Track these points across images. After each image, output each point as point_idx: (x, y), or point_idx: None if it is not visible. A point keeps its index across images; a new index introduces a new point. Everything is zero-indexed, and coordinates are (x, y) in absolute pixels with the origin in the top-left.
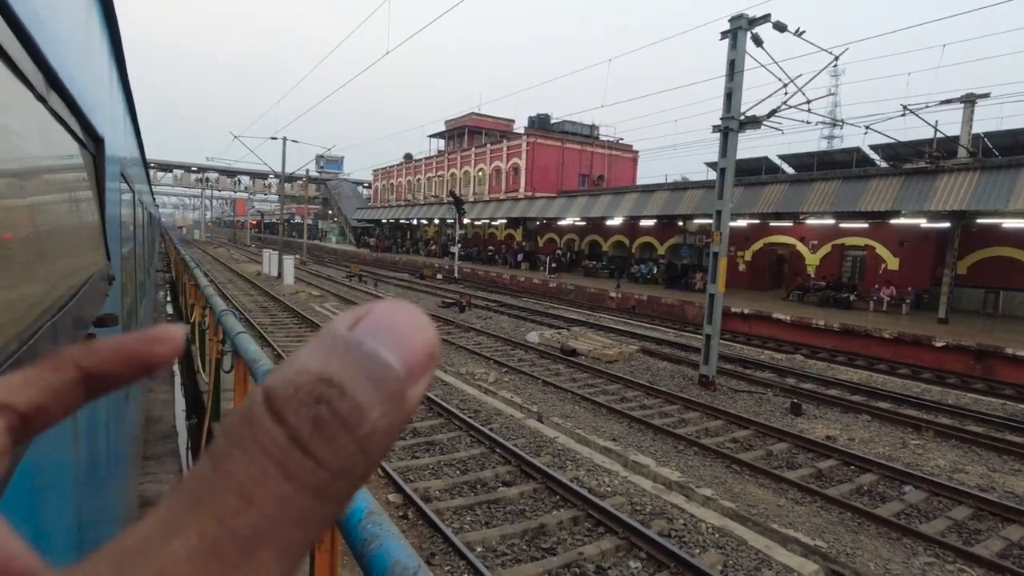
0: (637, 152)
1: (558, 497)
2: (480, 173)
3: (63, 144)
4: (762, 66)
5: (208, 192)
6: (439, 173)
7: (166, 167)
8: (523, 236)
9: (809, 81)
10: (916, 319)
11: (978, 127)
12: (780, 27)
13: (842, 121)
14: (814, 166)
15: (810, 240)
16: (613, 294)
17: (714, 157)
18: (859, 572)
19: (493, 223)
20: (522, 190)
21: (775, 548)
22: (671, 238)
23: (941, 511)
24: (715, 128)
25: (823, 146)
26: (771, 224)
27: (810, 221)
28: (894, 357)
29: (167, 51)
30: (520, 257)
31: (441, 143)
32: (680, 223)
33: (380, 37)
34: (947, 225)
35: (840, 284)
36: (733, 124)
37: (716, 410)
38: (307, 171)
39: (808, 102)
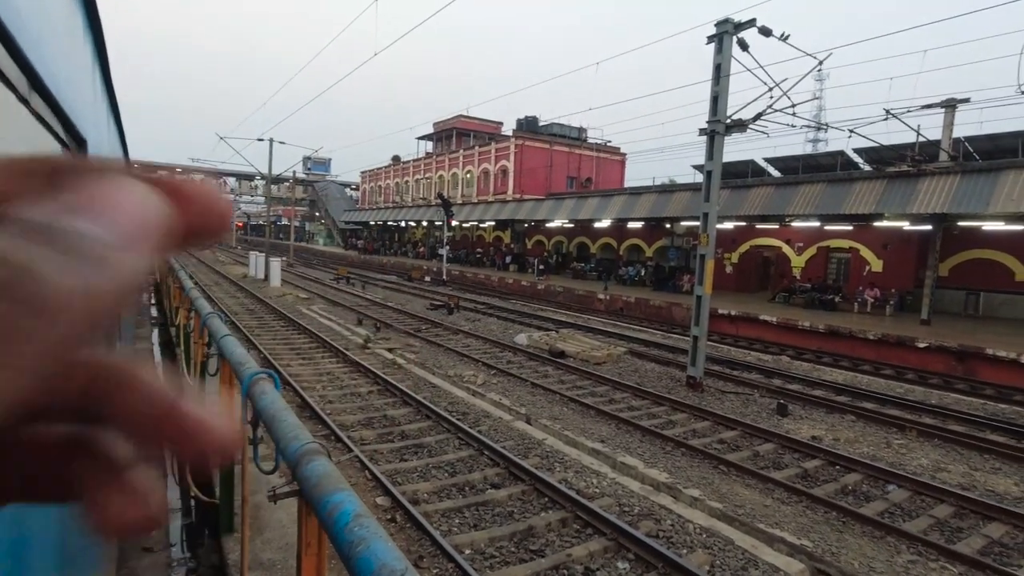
0: (625, 155)
1: (546, 499)
2: (468, 175)
3: (46, 146)
4: (748, 70)
5: None
6: (427, 175)
7: (150, 168)
8: (511, 238)
9: (794, 85)
10: (900, 320)
11: (959, 131)
12: (765, 32)
13: (826, 125)
14: (799, 169)
15: (796, 242)
16: (601, 296)
17: (701, 160)
18: (844, 571)
19: (481, 225)
20: (510, 192)
21: (761, 548)
22: (659, 240)
23: (924, 510)
24: (701, 131)
25: (808, 149)
26: (757, 226)
27: (796, 223)
28: (878, 358)
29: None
30: (508, 259)
31: (429, 145)
32: (667, 225)
33: (368, 38)
34: (929, 228)
35: (825, 286)
36: (719, 127)
37: (703, 411)
38: (294, 173)
39: (793, 106)
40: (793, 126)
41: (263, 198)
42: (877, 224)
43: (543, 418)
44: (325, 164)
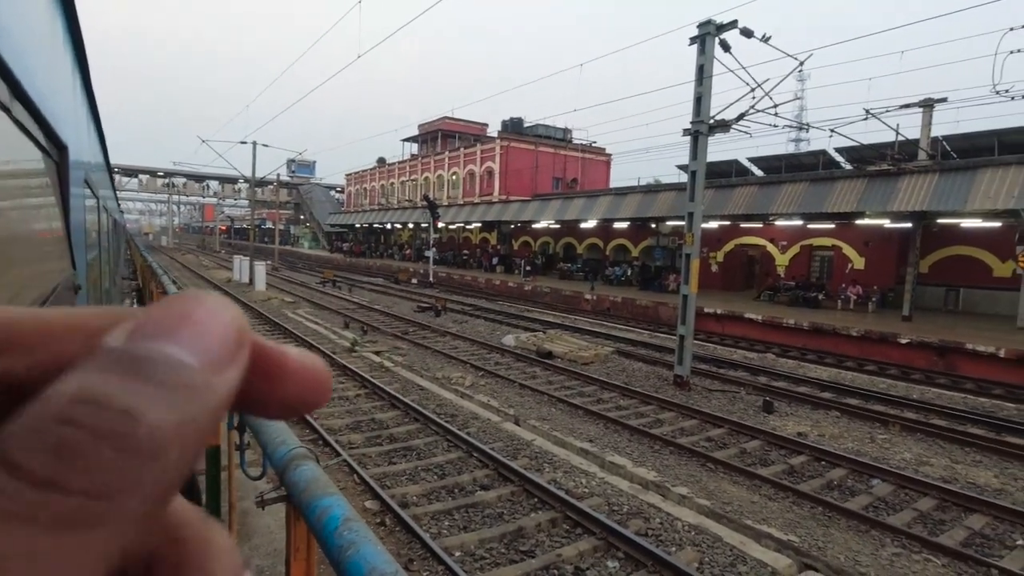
0: (610, 155)
1: (536, 500)
2: (454, 177)
3: (26, 154)
4: (730, 71)
5: (175, 197)
6: (413, 177)
7: (131, 172)
8: (498, 240)
9: (776, 86)
10: (882, 317)
11: (936, 130)
12: (747, 33)
13: (808, 125)
14: (782, 168)
15: (779, 241)
16: (588, 296)
17: (686, 160)
18: (830, 565)
19: (468, 227)
20: (496, 194)
21: (749, 544)
22: (644, 240)
23: (907, 503)
24: (685, 132)
25: (791, 149)
26: (742, 225)
27: (779, 222)
28: (861, 354)
29: (133, 50)
30: (495, 261)
31: (414, 147)
32: (653, 225)
33: (352, 40)
34: (909, 225)
35: (809, 284)
36: (703, 128)
37: (691, 410)
38: (278, 175)
39: (775, 106)
40: (775, 126)
41: (247, 201)
42: (859, 222)
43: (532, 419)
44: (310, 167)
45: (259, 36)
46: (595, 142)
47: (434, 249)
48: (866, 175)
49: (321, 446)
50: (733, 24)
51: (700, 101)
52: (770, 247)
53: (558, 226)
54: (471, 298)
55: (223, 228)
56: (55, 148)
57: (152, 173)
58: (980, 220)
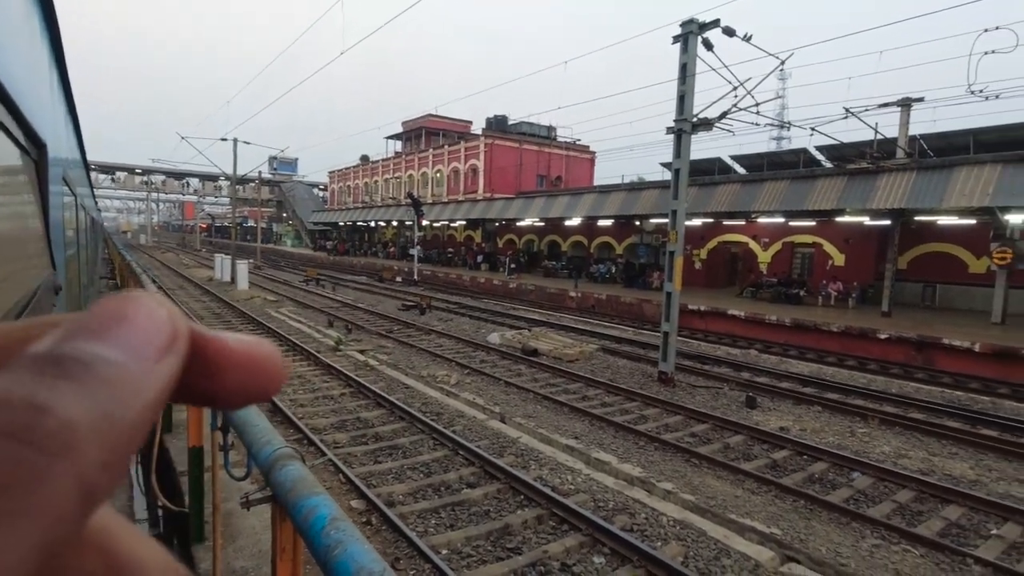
0: (594, 153)
1: (522, 497)
2: (438, 174)
3: (6, 152)
4: (713, 70)
5: (154, 195)
6: (397, 175)
7: (109, 169)
8: (482, 237)
9: (757, 84)
10: (861, 313)
11: (914, 129)
12: (729, 32)
13: (789, 123)
14: (764, 166)
15: (762, 238)
16: (573, 294)
17: (669, 158)
18: (812, 556)
19: (452, 225)
20: (481, 191)
21: (733, 537)
22: (628, 238)
23: (886, 495)
24: (669, 130)
25: (772, 147)
26: (725, 223)
27: (761, 220)
28: (842, 350)
29: (111, 47)
30: (480, 258)
31: (398, 145)
32: (637, 223)
33: (336, 36)
34: (888, 223)
35: (791, 280)
36: (686, 126)
37: (675, 406)
38: (259, 173)
39: (757, 105)
40: (757, 124)
41: (228, 199)
42: (839, 219)
43: (517, 416)
44: (292, 164)
45: (255, 35)
46: (579, 140)
47: (419, 247)
48: (846, 173)
49: (306, 446)
50: (715, 23)
51: (683, 99)
52: (752, 244)
53: (543, 224)
54: (456, 296)
55: (204, 226)
56: (34, 147)
57: (130, 170)
58: (956, 217)
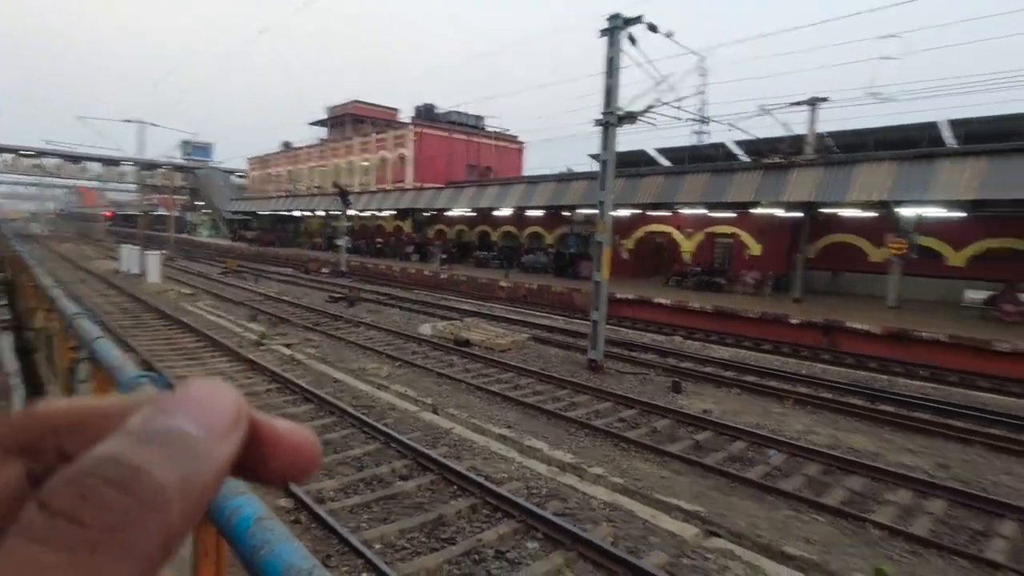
0: (523, 143)
1: (455, 487)
2: (366, 163)
3: None
4: (638, 65)
5: (48, 180)
6: (322, 163)
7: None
8: (412, 228)
9: (679, 80)
10: (776, 300)
11: (823, 127)
12: (652, 28)
13: (708, 118)
14: (686, 159)
15: (685, 229)
16: (504, 284)
17: (597, 149)
18: (731, 530)
19: (380, 215)
20: (409, 180)
21: (660, 516)
22: (559, 228)
23: (798, 469)
24: (597, 122)
25: (694, 140)
26: (650, 214)
27: (684, 211)
28: (759, 334)
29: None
30: (411, 249)
31: (324, 132)
32: (567, 213)
33: (254, 20)
34: (799, 215)
35: (712, 270)
36: (612, 119)
37: (604, 392)
38: (170, 158)
39: (679, 99)
40: (679, 119)
41: (135, 185)
42: (755, 212)
43: (450, 407)
44: (206, 149)
45: (149, 11)
46: (508, 130)
47: (347, 237)
48: (761, 167)
49: None
50: (639, 19)
51: (610, 93)
52: (676, 235)
53: (473, 214)
54: (386, 287)
55: (108, 214)
56: None
57: (16, 152)
58: (859, 210)
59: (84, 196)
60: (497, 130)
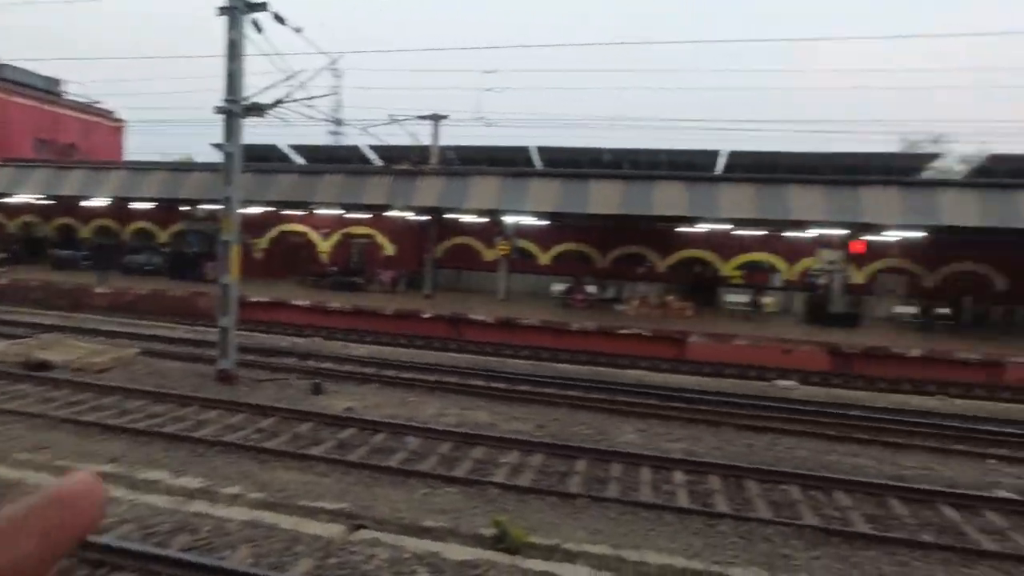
0: (124, 122)
1: None
2: None
3: None
4: (266, 55)
5: None
6: None
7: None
8: None
9: (311, 78)
10: (410, 297)
11: (444, 140)
12: (280, 19)
13: (342, 120)
14: (323, 159)
15: (322, 229)
16: (101, 290)
17: (220, 138)
18: (376, 519)
19: None
20: None
21: (304, 523)
22: (175, 224)
23: (433, 450)
24: (219, 109)
25: (330, 141)
26: (285, 212)
27: (320, 211)
28: (396, 330)
29: None
30: None
31: None
32: (186, 208)
33: None
34: (427, 218)
35: (349, 270)
36: (237, 108)
37: (238, 404)
38: None
39: (312, 98)
40: (313, 118)
41: None
42: (388, 214)
43: (21, 453)
44: None
45: None
46: (99, 102)
47: None
48: (393, 173)
49: None
50: (263, 6)
51: (233, 78)
52: (313, 234)
53: (51, 202)
54: None
55: None
56: None
57: None
58: (475, 216)
59: None
60: (85, 100)
